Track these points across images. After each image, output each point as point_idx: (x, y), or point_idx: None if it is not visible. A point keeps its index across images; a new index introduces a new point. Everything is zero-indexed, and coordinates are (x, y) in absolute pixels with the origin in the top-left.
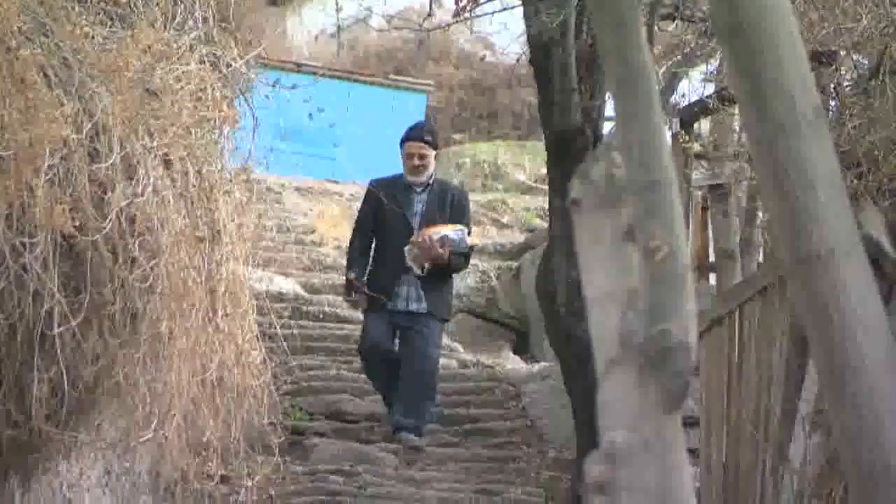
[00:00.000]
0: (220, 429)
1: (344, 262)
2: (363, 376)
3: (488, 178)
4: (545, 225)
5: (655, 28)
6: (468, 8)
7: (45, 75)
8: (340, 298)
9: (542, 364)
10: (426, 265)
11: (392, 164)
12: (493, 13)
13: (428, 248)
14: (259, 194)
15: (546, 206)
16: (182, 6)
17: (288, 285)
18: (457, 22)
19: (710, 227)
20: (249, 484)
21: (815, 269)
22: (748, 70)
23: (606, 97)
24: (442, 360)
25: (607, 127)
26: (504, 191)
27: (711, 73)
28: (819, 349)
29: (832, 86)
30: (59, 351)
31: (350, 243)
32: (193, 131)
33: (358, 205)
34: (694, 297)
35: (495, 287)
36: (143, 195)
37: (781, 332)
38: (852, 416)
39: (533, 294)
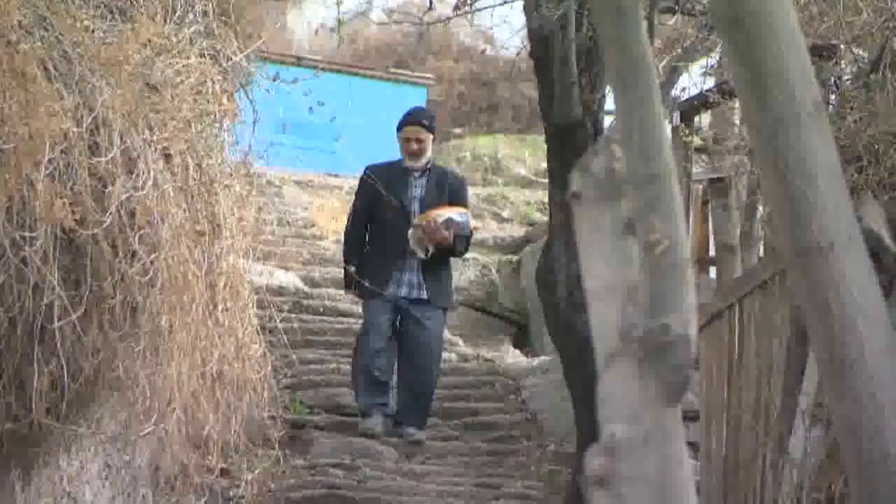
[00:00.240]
0: (220, 422)
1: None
2: None
3: (488, 171)
4: (545, 219)
5: (655, 22)
6: (468, 2)
7: (46, 69)
8: (341, 292)
9: (542, 358)
10: (430, 248)
11: (392, 157)
12: (493, 7)
13: (433, 230)
14: (259, 188)
15: (546, 199)
16: (182, 0)
17: (288, 279)
18: (457, 16)
19: (710, 220)
20: (249, 477)
21: (816, 262)
22: (748, 63)
23: (607, 90)
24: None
25: (608, 120)
26: (504, 184)
27: (712, 66)
28: (819, 341)
29: (832, 79)
30: (59, 344)
31: (346, 232)
32: (194, 125)
33: None
34: (694, 291)
35: (495, 281)
36: (143, 189)
37: (781, 326)
38: (852, 407)
39: (533, 288)
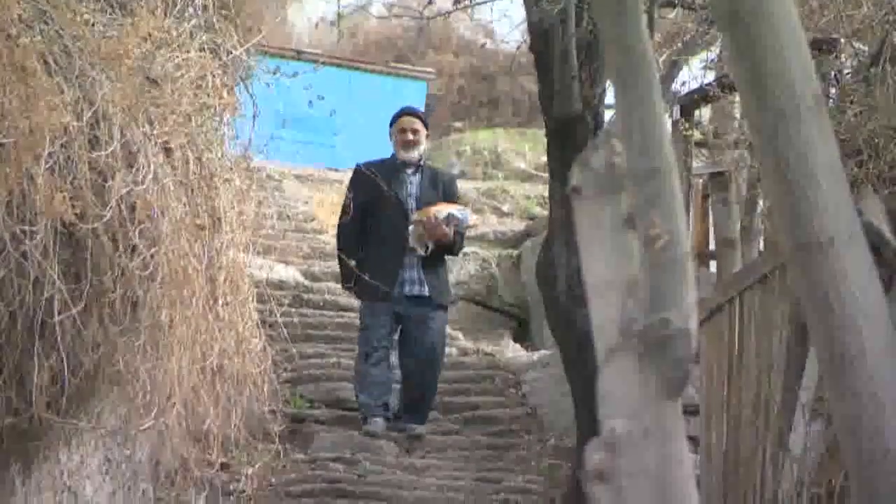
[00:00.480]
0: (220, 416)
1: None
2: None
3: (488, 165)
4: (545, 213)
5: (656, 16)
6: None
7: (46, 63)
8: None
9: (542, 352)
10: (429, 245)
11: (391, 152)
12: (493, 1)
13: (434, 226)
14: (259, 182)
15: (546, 193)
16: None
17: (288, 273)
18: (457, 10)
19: (710, 215)
20: (250, 471)
21: (816, 257)
22: (749, 57)
23: (607, 85)
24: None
25: (608, 115)
26: (504, 179)
27: (712, 61)
28: (819, 336)
29: (833, 73)
30: (59, 339)
31: (342, 228)
32: (194, 119)
33: None
34: (694, 285)
35: (495, 275)
36: (143, 183)
37: (782, 320)
38: (853, 404)
39: (533, 282)
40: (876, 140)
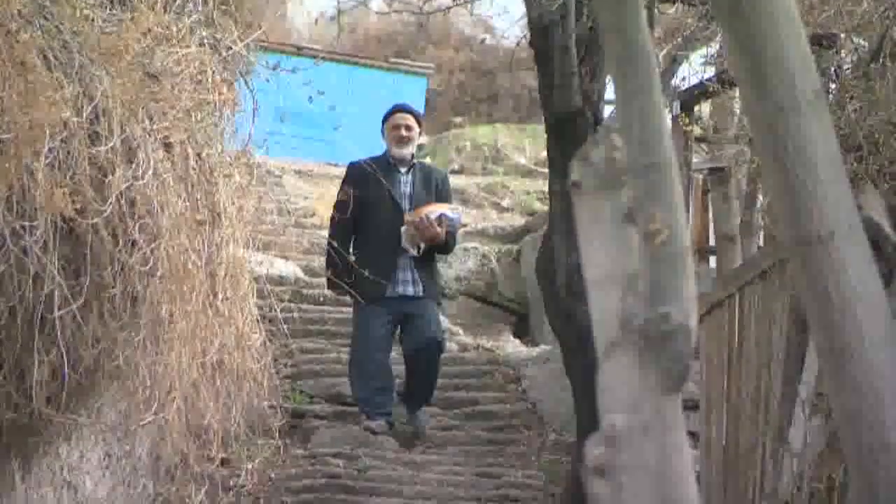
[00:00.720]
0: (220, 412)
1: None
2: None
3: (488, 161)
4: (545, 208)
5: (656, 11)
6: None
7: (46, 58)
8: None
9: (542, 347)
10: (422, 245)
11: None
12: None
13: (426, 227)
14: (259, 177)
15: (546, 189)
16: None
17: (288, 268)
18: (457, 5)
19: (710, 210)
20: (249, 467)
21: (816, 251)
22: (748, 52)
23: (607, 80)
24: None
25: (608, 110)
26: (504, 174)
27: (712, 56)
28: (819, 330)
29: (832, 68)
30: (59, 334)
31: (333, 229)
32: (193, 114)
33: None
34: (694, 280)
35: (495, 270)
36: (143, 178)
37: (781, 315)
38: (852, 397)
39: (533, 277)
40: (876, 135)
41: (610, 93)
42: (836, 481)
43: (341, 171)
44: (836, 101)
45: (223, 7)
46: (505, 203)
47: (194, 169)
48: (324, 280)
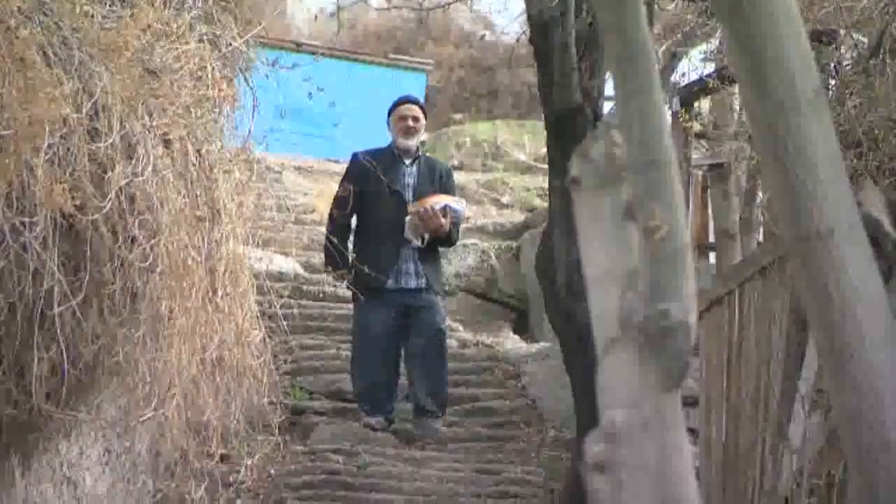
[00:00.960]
0: (220, 408)
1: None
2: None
3: (488, 157)
4: (545, 204)
5: (655, 7)
6: None
7: (45, 54)
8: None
9: (542, 344)
10: (426, 236)
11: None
12: None
13: (430, 217)
14: (259, 174)
15: (546, 185)
16: None
17: (288, 265)
18: (456, 1)
19: (709, 206)
20: (249, 463)
21: (815, 248)
22: (748, 49)
23: (606, 76)
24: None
25: (607, 106)
26: (504, 170)
27: (711, 52)
28: (819, 328)
29: (832, 65)
30: (58, 330)
31: (331, 216)
32: (193, 110)
33: None
34: (694, 277)
35: (495, 267)
36: (142, 174)
37: (781, 312)
38: (852, 395)
39: (533, 274)
40: (875, 131)
41: (610, 89)
42: (836, 478)
43: (341, 168)
44: (836, 97)
45: (223, 3)
46: (504, 200)
47: (194, 165)
48: (324, 276)
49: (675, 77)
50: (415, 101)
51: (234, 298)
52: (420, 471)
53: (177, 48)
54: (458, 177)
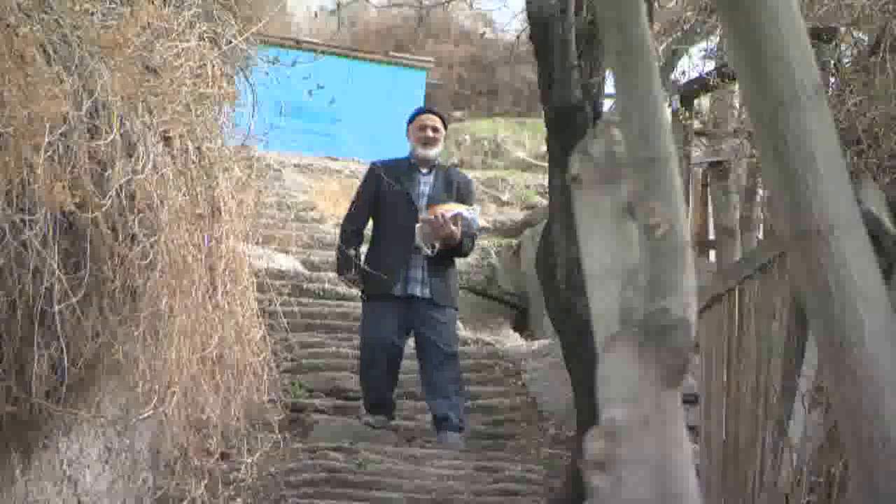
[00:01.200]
0: (220, 406)
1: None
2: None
3: (488, 155)
4: (545, 202)
5: (655, 4)
6: None
7: (45, 52)
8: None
9: (542, 341)
10: (436, 245)
11: (392, 140)
12: None
13: (440, 226)
14: (259, 171)
15: (546, 182)
16: None
17: (288, 262)
18: None
19: (710, 203)
20: (249, 461)
21: (816, 245)
22: (748, 46)
23: (606, 73)
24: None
25: (607, 104)
26: (504, 168)
27: (711, 49)
28: (819, 324)
29: (832, 62)
30: (59, 328)
31: (345, 223)
32: (193, 108)
33: (358, 182)
34: (694, 274)
35: (495, 264)
36: (142, 172)
37: (781, 309)
38: (852, 391)
39: (533, 271)
40: (875, 129)
41: (610, 87)
42: (836, 474)
43: (341, 166)
44: (836, 94)
45: (223, 1)
46: (505, 197)
47: (194, 163)
48: (324, 274)
49: (675, 74)
50: (435, 112)
51: (234, 296)
52: (420, 468)
53: (177, 46)
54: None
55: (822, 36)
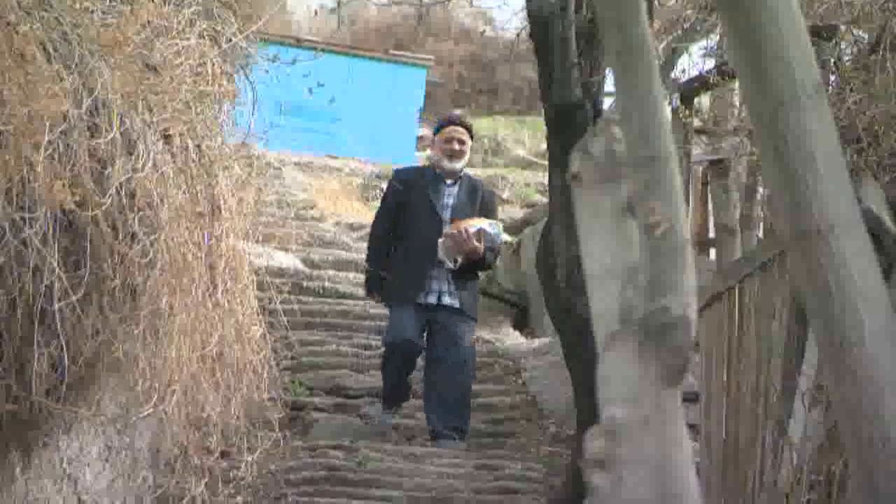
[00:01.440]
0: (220, 404)
1: (346, 238)
2: (364, 352)
3: (488, 153)
4: (545, 200)
5: (655, 3)
6: None
7: (45, 50)
8: (341, 274)
9: (542, 339)
10: (459, 259)
11: (391, 139)
12: None
13: (464, 240)
14: (259, 169)
15: (546, 181)
16: None
17: (288, 261)
18: None
19: (710, 202)
20: (249, 459)
21: (816, 244)
22: (748, 45)
23: (606, 72)
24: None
25: (607, 102)
26: (504, 166)
27: (711, 47)
28: (819, 323)
29: (832, 60)
30: (59, 326)
31: (371, 236)
32: (193, 106)
33: (358, 180)
34: (694, 273)
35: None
36: (142, 170)
37: (781, 308)
38: (852, 390)
39: (533, 269)
40: (876, 127)
41: (610, 85)
42: (836, 473)
43: (341, 164)
44: (836, 93)
45: None
46: (505, 195)
47: (194, 161)
48: (323, 272)
49: (675, 72)
50: (462, 123)
51: (234, 294)
52: (420, 467)
53: (177, 44)
54: None
55: (822, 34)
